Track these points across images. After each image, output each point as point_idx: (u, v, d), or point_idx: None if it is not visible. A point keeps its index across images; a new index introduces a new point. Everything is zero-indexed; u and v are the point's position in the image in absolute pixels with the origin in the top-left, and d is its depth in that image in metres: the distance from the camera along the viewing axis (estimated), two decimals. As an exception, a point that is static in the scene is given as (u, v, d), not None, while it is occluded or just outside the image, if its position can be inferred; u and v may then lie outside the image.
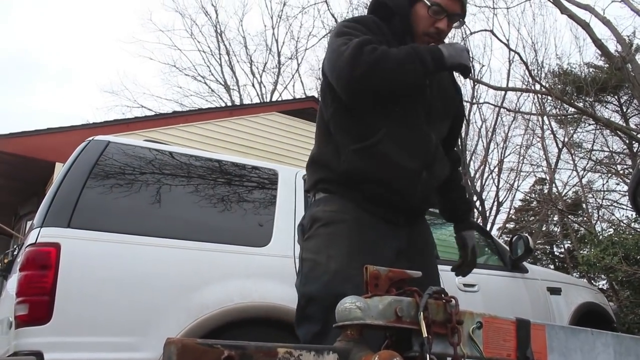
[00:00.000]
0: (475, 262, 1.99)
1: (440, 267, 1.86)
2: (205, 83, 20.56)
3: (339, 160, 1.61)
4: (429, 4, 1.66)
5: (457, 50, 1.58)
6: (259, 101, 17.94)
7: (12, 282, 2.45)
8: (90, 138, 2.67)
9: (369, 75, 1.49)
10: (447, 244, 3.32)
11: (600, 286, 11.91)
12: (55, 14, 40.08)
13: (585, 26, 11.47)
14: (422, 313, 0.94)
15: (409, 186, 1.62)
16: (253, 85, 20.32)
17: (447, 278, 2.39)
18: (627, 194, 13.86)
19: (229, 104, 18.39)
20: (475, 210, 15.41)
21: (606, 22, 11.33)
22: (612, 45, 12.60)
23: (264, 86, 20.22)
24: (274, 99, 18.71)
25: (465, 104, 2.09)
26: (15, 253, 2.96)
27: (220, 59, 20.23)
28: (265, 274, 2.54)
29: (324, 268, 1.52)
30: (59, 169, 4.22)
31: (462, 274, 1.99)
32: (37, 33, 40.93)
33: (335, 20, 16.27)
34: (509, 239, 4.76)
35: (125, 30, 40.81)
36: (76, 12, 38.50)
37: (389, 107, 1.61)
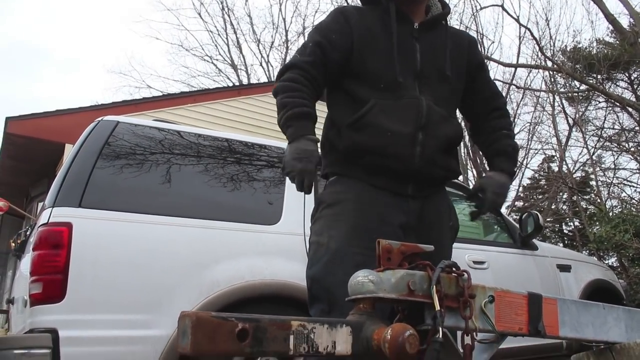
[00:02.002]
0: (491, 202, 1.76)
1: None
2: (212, 63, 20.50)
3: (340, 139, 1.66)
4: None
5: (301, 169, 1.53)
6: (266, 80, 17.84)
7: (26, 262, 2.48)
8: (100, 118, 2.67)
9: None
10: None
11: (610, 263, 11.88)
12: (61, -5, 39.83)
13: (598, 1, 11.27)
14: (434, 286, 0.95)
15: (404, 150, 1.61)
16: (261, 65, 20.25)
17: (457, 255, 2.38)
18: (638, 171, 13.77)
19: (237, 83, 18.30)
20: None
21: (619, -4, 11.12)
22: (625, 21, 12.41)
23: (272, 65, 20.12)
24: (281, 78, 18.56)
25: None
26: (28, 233, 2.99)
27: (227, 38, 20.13)
28: (275, 252, 2.55)
29: (325, 249, 1.55)
30: (69, 150, 4.23)
31: (473, 216, 1.83)
32: (42, 18, 40.82)
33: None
34: (518, 217, 4.74)
35: (132, 10, 40.58)
36: (82, -7, 38.25)
37: (376, 80, 1.66)
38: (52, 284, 2.11)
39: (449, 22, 1.85)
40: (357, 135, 1.62)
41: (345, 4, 15.34)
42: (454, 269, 1.01)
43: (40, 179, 8.57)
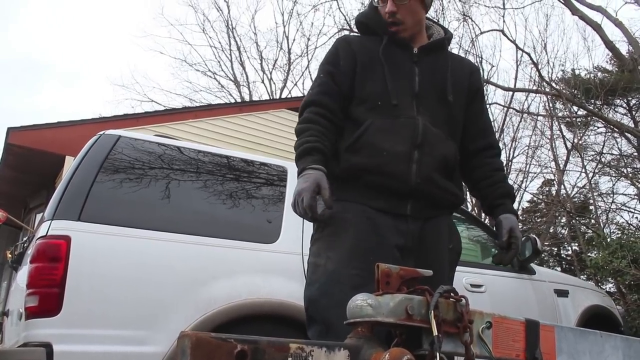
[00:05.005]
0: (516, 246, 1.77)
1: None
2: (215, 79, 20.57)
3: (338, 164, 1.70)
4: None
5: (299, 190, 1.57)
6: (268, 98, 17.92)
7: (23, 274, 2.47)
8: (102, 132, 2.68)
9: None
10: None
11: (607, 289, 11.83)
12: (65, 8, 40.22)
13: (597, 28, 11.41)
14: (432, 311, 0.95)
15: (400, 167, 1.64)
16: (263, 82, 20.30)
17: (454, 278, 2.38)
18: (636, 197, 13.80)
19: (239, 100, 18.37)
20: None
21: (618, 24, 11.26)
22: (623, 47, 12.55)
23: (274, 83, 20.20)
24: (283, 96, 18.70)
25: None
26: (25, 245, 2.98)
27: (230, 54, 20.21)
28: (273, 271, 2.55)
29: (323, 270, 1.57)
30: (69, 163, 4.24)
31: (502, 262, 1.81)
32: (46, 30, 41.17)
33: (346, 19, 16.21)
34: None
35: (137, 24, 40.98)
36: (87, 5, 38.60)
37: (374, 102, 1.71)
38: (48, 298, 2.10)
39: (449, 48, 1.90)
40: (354, 156, 1.66)
41: (347, 26, 15.51)
42: (452, 294, 1.01)
43: (39, 190, 8.56)
